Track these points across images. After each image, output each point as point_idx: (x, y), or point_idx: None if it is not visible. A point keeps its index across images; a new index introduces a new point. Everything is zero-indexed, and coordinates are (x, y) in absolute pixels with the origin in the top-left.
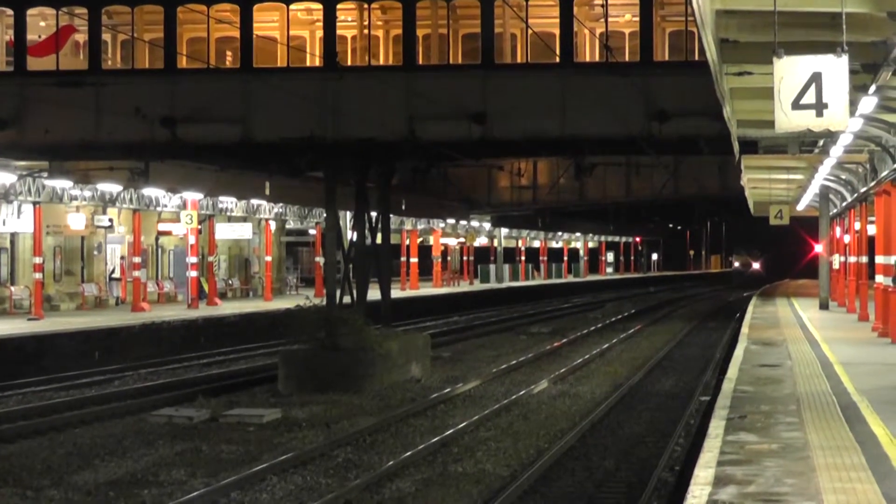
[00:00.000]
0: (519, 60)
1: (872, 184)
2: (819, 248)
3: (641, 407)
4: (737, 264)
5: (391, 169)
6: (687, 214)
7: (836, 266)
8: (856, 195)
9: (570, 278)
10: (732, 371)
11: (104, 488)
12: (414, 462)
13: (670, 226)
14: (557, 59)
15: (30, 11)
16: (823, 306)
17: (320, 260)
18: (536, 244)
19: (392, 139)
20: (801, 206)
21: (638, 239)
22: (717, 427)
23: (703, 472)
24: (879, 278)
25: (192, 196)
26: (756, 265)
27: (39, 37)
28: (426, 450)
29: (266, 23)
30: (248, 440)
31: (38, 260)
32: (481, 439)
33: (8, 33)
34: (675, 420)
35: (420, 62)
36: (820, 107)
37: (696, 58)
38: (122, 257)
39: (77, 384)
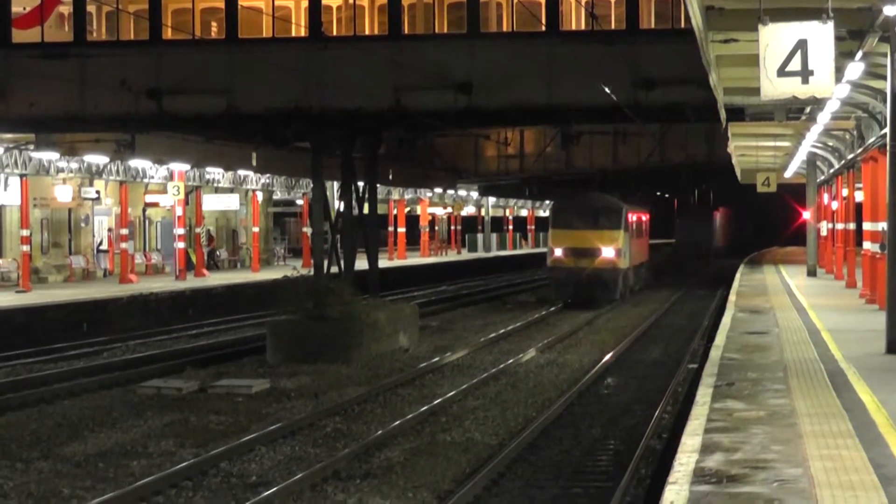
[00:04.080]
0: (505, 29)
1: (859, 150)
2: (806, 214)
3: (629, 375)
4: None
5: (377, 139)
6: (674, 182)
7: (823, 233)
8: (843, 162)
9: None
10: (720, 339)
11: (93, 459)
12: (402, 431)
13: (658, 194)
14: (543, 28)
15: None
16: (811, 273)
17: (308, 230)
18: (524, 213)
19: (378, 109)
20: (788, 174)
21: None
22: (704, 395)
23: (691, 440)
24: (867, 245)
25: (179, 167)
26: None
27: (24, 9)
28: (414, 419)
29: None
30: (236, 411)
31: (25, 232)
32: (469, 408)
33: None
34: (663, 388)
35: (406, 32)
36: (806, 73)
37: (683, 25)
38: (110, 229)
39: (65, 356)
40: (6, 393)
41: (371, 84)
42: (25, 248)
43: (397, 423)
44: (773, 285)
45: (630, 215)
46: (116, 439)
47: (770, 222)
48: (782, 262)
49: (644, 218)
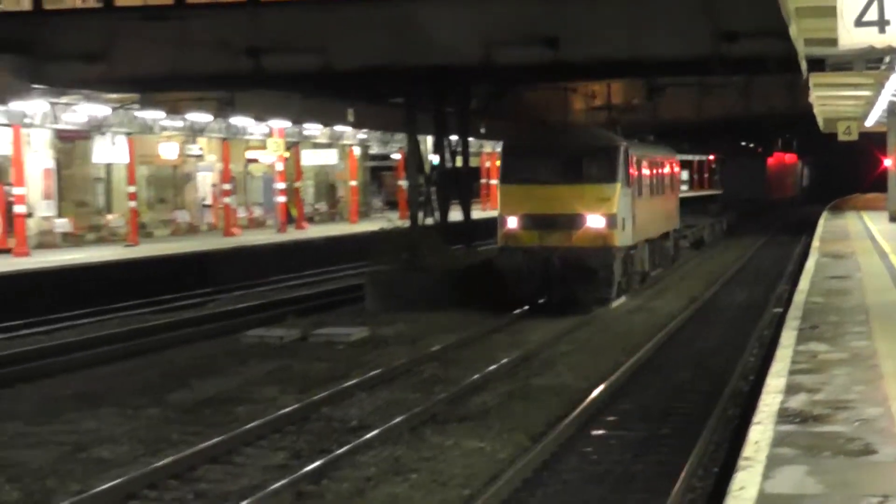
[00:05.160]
0: None
1: None
2: (888, 162)
3: (716, 319)
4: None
5: (468, 94)
6: (758, 132)
7: None
8: None
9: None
10: (803, 283)
11: (200, 406)
12: (497, 376)
13: (742, 144)
14: None
15: None
16: (893, 219)
17: (403, 183)
18: None
19: (467, 64)
20: (869, 122)
21: (711, 157)
22: (788, 338)
23: (775, 381)
24: None
25: (279, 124)
26: None
27: None
28: (508, 364)
29: None
30: (336, 357)
31: (132, 189)
32: (561, 353)
33: None
34: (749, 332)
35: None
36: (882, 23)
37: None
38: (213, 185)
39: (173, 307)
40: (117, 343)
41: (460, 40)
42: (132, 203)
43: (492, 367)
44: (854, 231)
45: (635, 160)
46: (222, 386)
47: (852, 169)
48: (864, 209)
49: (668, 167)
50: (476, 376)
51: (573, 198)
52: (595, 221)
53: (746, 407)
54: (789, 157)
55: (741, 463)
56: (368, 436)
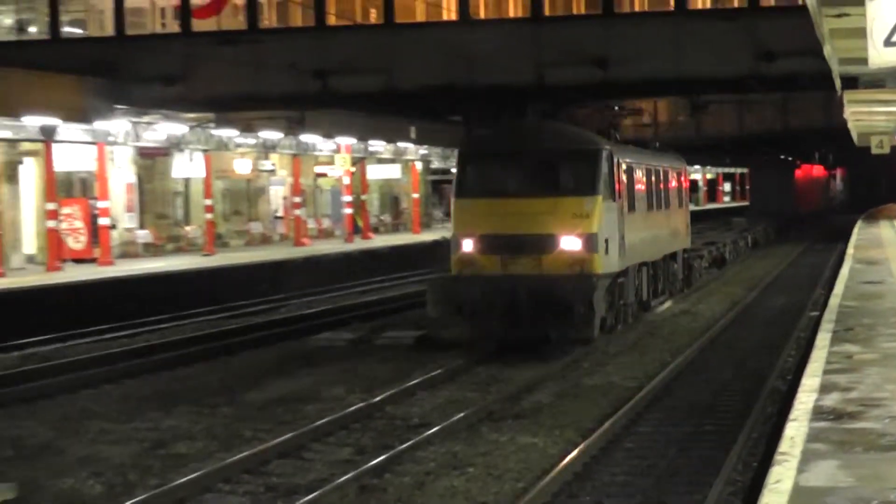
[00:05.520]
0: (637, 9)
1: None
2: None
3: (756, 322)
4: None
5: (523, 111)
6: (796, 146)
7: None
8: None
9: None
10: (838, 288)
11: (271, 404)
12: (549, 376)
13: (781, 157)
14: (672, 7)
15: None
16: None
17: None
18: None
19: (522, 84)
20: None
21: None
22: (823, 339)
23: (810, 381)
24: None
25: (346, 141)
26: None
27: (202, 0)
28: (560, 364)
29: None
30: (399, 359)
31: (208, 202)
32: (611, 354)
33: None
34: (787, 334)
35: (546, 13)
36: None
37: (799, 2)
38: (284, 197)
39: (246, 312)
40: (192, 346)
41: (515, 61)
42: (209, 215)
43: (544, 368)
44: (888, 238)
45: (624, 167)
46: (292, 386)
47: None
48: None
49: (674, 177)
50: (529, 375)
51: (543, 214)
52: (570, 243)
53: (783, 404)
54: (817, 170)
55: (777, 457)
56: (428, 432)
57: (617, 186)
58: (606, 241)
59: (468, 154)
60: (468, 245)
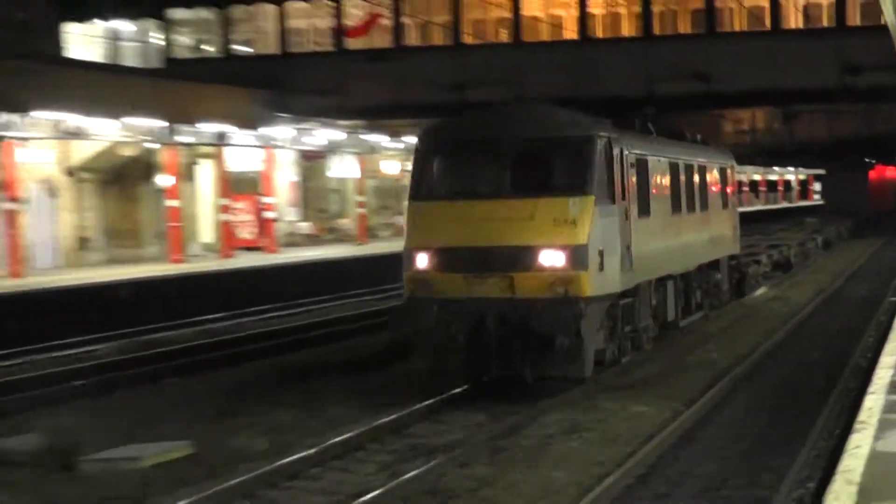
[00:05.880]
0: (736, 28)
1: None
2: None
3: (840, 307)
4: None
5: (633, 120)
6: (878, 149)
7: None
8: None
9: (784, 204)
10: None
11: (414, 374)
12: (656, 353)
13: (864, 160)
14: (768, 27)
15: (349, 2)
16: None
17: None
18: (756, 177)
19: (634, 96)
20: None
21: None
22: None
23: (888, 359)
24: None
25: None
26: None
27: (353, 23)
28: (666, 342)
29: (532, 4)
30: None
31: (361, 198)
32: (710, 334)
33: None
34: (869, 317)
35: (656, 33)
36: None
37: (882, 22)
38: None
39: (395, 294)
40: (349, 323)
41: (628, 76)
42: (362, 210)
43: (651, 346)
44: None
45: (631, 161)
46: None
47: None
48: None
49: (715, 174)
50: (637, 353)
51: (517, 220)
52: (551, 258)
53: (863, 380)
54: (890, 171)
55: (857, 426)
56: (550, 401)
57: (619, 184)
58: (601, 253)
59: (427, 146)
60: (422, 260)
